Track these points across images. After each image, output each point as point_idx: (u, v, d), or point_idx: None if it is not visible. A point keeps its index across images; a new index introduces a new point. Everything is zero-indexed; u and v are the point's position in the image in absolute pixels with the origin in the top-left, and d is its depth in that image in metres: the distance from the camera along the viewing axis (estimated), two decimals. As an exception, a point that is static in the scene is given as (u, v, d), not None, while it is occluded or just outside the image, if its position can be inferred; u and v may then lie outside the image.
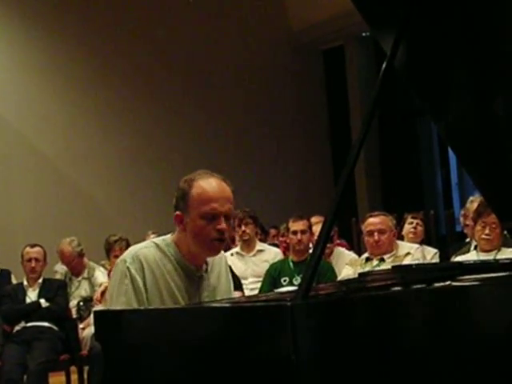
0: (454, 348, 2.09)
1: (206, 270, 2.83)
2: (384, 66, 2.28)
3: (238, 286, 5.81)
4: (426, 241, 7.11)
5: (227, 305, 2.33)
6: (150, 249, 2.75)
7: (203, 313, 2.22)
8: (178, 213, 2.75)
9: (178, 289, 2.71)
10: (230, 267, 5.82)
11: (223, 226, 2.70)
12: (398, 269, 3.15)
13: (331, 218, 2.04)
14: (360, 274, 2.98)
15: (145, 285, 2.66)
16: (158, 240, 2.82)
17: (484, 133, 2.98)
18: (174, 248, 2.76)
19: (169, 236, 2.82)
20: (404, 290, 2.26)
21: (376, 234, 5.28)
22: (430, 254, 6.13)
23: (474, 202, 6.02)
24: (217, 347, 2.05)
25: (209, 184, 2.73)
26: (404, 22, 2.31)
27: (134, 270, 2.66)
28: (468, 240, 6.35)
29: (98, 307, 6.06)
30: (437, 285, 2.32)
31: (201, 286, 2.79)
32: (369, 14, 2.65)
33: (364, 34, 11.64)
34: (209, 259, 2.83)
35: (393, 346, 1.99)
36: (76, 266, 7.12)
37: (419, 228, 6.85)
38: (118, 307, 2.58)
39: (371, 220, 5.42)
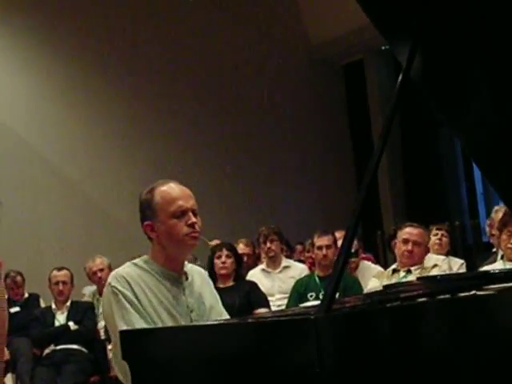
0: (478, 358, 2.08)
1: (187, 278, 2.94)
2: (400, 77, 2.29)
3: (265, 302, 5.81)
4: (452, 252, 7.09)
5: (253, 320, 2.34)
6: (129, 268, 2.88)
7: (229, 328, 2.23)
8: (147, 222, 2.89)
9: (167, 298, 2.82)
10: (257, 284, 5.90)
11: (193, 219, 2.85)
12: (424, 280, 3.15)
13: (351, 231, 2.05)
14: (385, 286, 2.97)
15: (136, 297, 2.77)
16: (134, 260, 2.94)
17: (504, 141, 2.97)
18: (152, 263, 2.89)
19: (143, 256, 2.94)
20: (426, 300, 2.25)
21: (411, 244, 5.26)
22: (457, 265, 6.11)
23: (499, 211, 5.99)
24: (243, 362, 2.06)
25: (169, 187, 2.90)
26: (418, 34, 2.32)
27: (121, 287, 2.78)
28: (494, 250, 6.32)
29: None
30: (460, 294, 2.31)
31: (187, 291, 2.90)
32: (383, 26, 2.67)
33: (383, 48, 11.65)
34: (187, 269, 2.96)
35: (416, 356, 1.98)
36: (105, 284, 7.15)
37: (444, 239, 6.82)
38: (122, 325, 2.66)
39: (409, 229, 5.40)
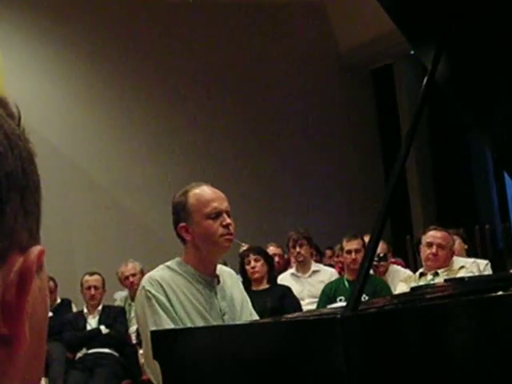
0: (504, 359, 2.10)
1: (219, 281, 2.97)
2: (425, 81, 2.32)
3: (298, 307, 5.84)
4: (482, 255, 7.06)
5: (281, 320, 2.38)
6: (162, 271, 2.92)
7: (257, 328, 2.27)
8: (181, 224, 2.92)
9: (199, 301, 2.85)
10: (291, 289, 5.93)
11: (228, 220, 2.90)
12: (451, 282, 3.17)
13: (377, 232, 2.08)
14: (412, 288, 3.00)
15: (169, 301, 2.80)
16: (168, 263, 2.97)
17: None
18: (185, 265, 2.92)
19: (176, 258, 2.98)
20: (451, 300, 2.27)
21: (435, 247, 5.28)
22: (482, 266, 6.08)
23: (529, 214, 5.97)
24: (272, 361, 2.10)
25: (202, 190, 2.95)
26: (443, 37, 2.35)
27: (155, 291, 2.81)
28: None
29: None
30: (486, 295, 2.33)
31: (219, 295, 2.93)
32: (409, 31, 2.70)
33: (412, 52, 11.63)
34: (218, 272, 2.98)
35: (442, 356, 2.01)
36: (137, 289, 7.21)
37: (459, 245, 6.77)
38: (153, 328, 2.67)
39: (432, 233, 5.42)
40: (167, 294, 2.80)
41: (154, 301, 2.78)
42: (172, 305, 2.79)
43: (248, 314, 3.00)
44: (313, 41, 12.17)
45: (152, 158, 10.72)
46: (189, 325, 2.75)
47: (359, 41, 11.90)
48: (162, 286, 2.82)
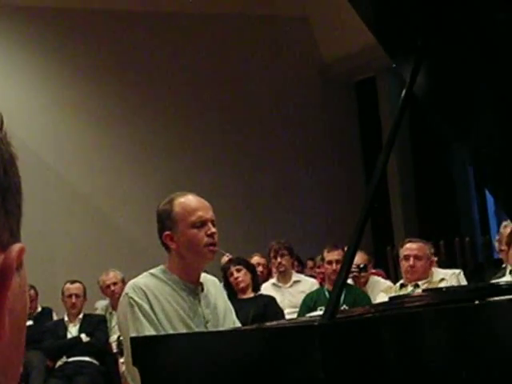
0: (478, 366, 2.14)
1: (203, 289, 2.98)
2: (403, 93, 2.36)
3: (281, 317, 5.86)
4: (462, 268, 7.10)
5: (259, 327, 2.40)
6: (146, 278, 2.93)
7: (238, 336, 2.30)
8: (166, 233, 2.93)
9: (183, 309, 2.86)
10: (275, 299, 5.96)
11: (213, 230, 2.92)
12: (429, 292, 3.20)
13: (354, 242, 2.11)
14: (391, 298, 3.04)
15: (152, 309, 2.80)
16: (152, 270, 2.98)
17: (507, 156, 3.03)
18: (169, 273, 2.93)
19: (160, 266, 2.99)
20: (426, 308, 2.31)
21: (412, 259, 5.32)
22: (455, 274, 6.09)
23: (508, 226, 6.02)
24: (250, 368, 2.12)
25: (188, 199, 2.96)
26: (421, 51, 2.39)
27: (138, 298, 2.82)
28: (504, 266, 6.34)
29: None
30: (461, 304, 2.37)
31: (203, 302, 2.94)
32: (389, 44, 2.74)
33: (395, 65, 11.70)
34: (202, 280, 2.99)
35: (417, 363, 2.04)
36: (119, 298, 7.20)
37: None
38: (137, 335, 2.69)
39: (409, 245, 5.47)
40: (150, 301, 2.81)
41: (136, 308, 2.79)
42: (155, 312, 2.80)
43: (231, 322, 3.02)
44: (297, 52, 12.24)
45: (135, 167, 10.73)
46: (171, 332, 2.76)
47: (343, 53, 11.98)
48: (145, 293, 2.83)
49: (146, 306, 2.79)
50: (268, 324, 2.72)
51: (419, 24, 2.52)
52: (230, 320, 3.02)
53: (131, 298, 2.82)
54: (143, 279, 2.91)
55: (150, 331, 2.72)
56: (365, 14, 2.73)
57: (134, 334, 2.70)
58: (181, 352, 2.33)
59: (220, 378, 2.21)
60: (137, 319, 2.76)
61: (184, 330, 2.79)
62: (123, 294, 2.91)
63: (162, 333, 2.74)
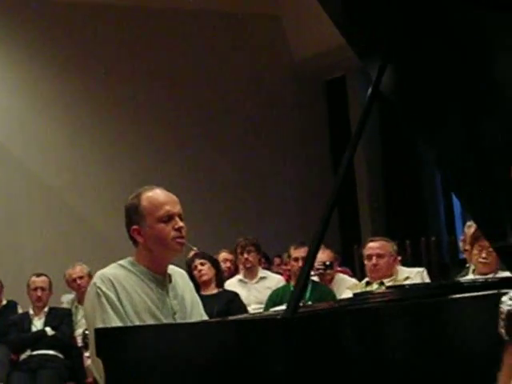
0: (435, 359, 2.18)
1: (171, 280, 3.00)
2: (369, 92, 2.40)
3: (245, 312, 5.89)
4: (427, 267, 7.17)
5: (224, 320, 2.43)
6: (115, 269, 2.93)
7: (202, 328, 2.32)
8: (134, 227, 2.94)
9: (151, 300, 2.87)
10: (239, 295, 5.99)
11: (180, 224, 2.92)
12: (393, 288, 3.25)
13: (318, 237, 2.14)
14: (355, 294, 3.07)
15: (119, 300, 2.81)
16: (120, 261, 2.99)
17: (472, 159, 3.08)
18: (137, 264, 2.94)
19: (128, 258, 3.00)
20: (387, 304, 2.35)
21: (374, 258, 5.39)
22: (419, 272, 6.16)
23: (471, 227, 6.11)
24: (216, 360, 2.14)
25: (155, 193, 2.98)
26: (387, 52, 2.43)
27: (106, 288, 2.82)
28: (468, 265, 6.42)
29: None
30: (421, 300, 2.41)
31: (171, 294, 2.95)
32: (357, 44, 2.78)
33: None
34: (170, 272, 3.01)
35: (377, 356, 2.08)
36: (85, 292, 7.15)
37: None
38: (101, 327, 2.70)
39: (371, 244, 5.55)
40: (118, 292, 2.82)
41: (103, 299, 2.79)
42: (122, 303, 2.80)
43: (199, 315, 3.03)
44: (268, 50, 12.26)
45: (103, 161, 10.68)
46: (138, 323, 2.77)
47: (314, 52, 12.02)
48: (113, 283, 2.83)
49: (114, 297, 2.79)
50: (232, 317, 2.75)
51: (386, 24, 2.55)
52: (197, 312, 3.03)
53: (99, 288, 2.83)
54: (111, 270, 2.92)
55: (116, 322, 2.72)
56: (333, 13, 2.76)
57: (100, 325, 2.71)
58: (145, 344, 2.35)
59: (184, 369, 2.23)
60: (104, 310, 2.76)
61: (152, 322, 2.80)
62: (91, 283, 2.92)
63: (129, 324, 2.75)
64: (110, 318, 2.74)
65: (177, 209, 2.96)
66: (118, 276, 2.88)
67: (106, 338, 2.48)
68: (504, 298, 0.70)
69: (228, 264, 7.51)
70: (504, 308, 0.69)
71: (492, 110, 2.94)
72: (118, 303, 2.79)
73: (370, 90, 2.43)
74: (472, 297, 2.49)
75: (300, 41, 12.31)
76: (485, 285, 3.03)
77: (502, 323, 0.68)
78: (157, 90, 11.05)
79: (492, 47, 2.69)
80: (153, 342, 2.33)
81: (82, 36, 10.64)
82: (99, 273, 2.93)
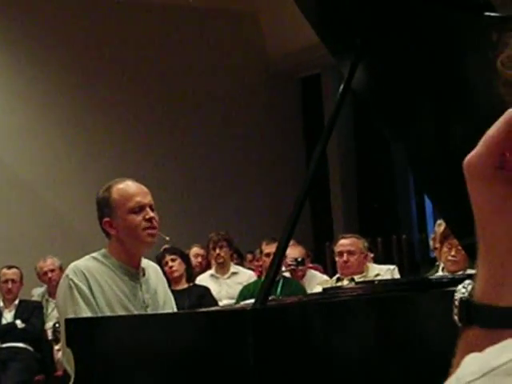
0: (400, 353, 2.22)
1: (144, 274, 3.02)
2: (340, 89, 2.43)
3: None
4: (398, 265, 7.24)
5: (194, 311, 2.45)
6: (87, 261, 2.95)
7: (172, 319, 2.34)
8: (106, 219, 2.96)
9: (123, 293, 2.89)
10: (210, 290, 6.00)
11: (151, 214, 2.95)
12: (362, 284, 3.29)
13: (287, 232, 2.17)
14: (324, 289, 3.11)
15: (91, 292, 2.82)
16: (93, 254, 3.01)
17: (441, 157, 3.13)
18: (110, 257, 2.96)
19: (102, 250, 3.02)
20: (354, 297, 2.39)
21: (345, 254, 5.44)
22: (390, 270, 6.22)
23: (441, 225, 6.16)
24: (186, 351, 2.17)
25: (126, 185, 3.01)
26: (360, 49, 2.46)
27: (78, 280, 2.84)
28: (438, 263, 6.49)
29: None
30: (385, 294, 2.45)
31: (143, 287, 2.97)
32: (330, 42, 2.82)
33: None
34: (144, 265, 3.03)
35: (342, 348, 2.12)
36: (56, 286, 7.14)
37: None
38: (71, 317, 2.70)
39: (342, 241, 5.61)
40: (90, 284, 2.83)
41: (75, 291, 2.80)
42: (94, 296, 2.81)
43: (170, 309, 3.05)
44: (243, 47, 12.29)
45: (75, 153, 10.65)
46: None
47: (289, 49, 12.06)
48: (85, 275, 2.84)
49: (86, 289, 2.81)
50: (202, 309, 2.77)
51: (358, 22, 2.59)
52: (169, 307, 3.05)
53: (71, 279, 2.83)
54: (84, 262, 2.93)
55: (87, 314, 2.73)
56: (307, 11, 2.80)
57: (71, 316, 2.72)
58: (115, 334, 2.37)
59: (154, 360, 2.25)
60: (75, 302, 2.78)
61: (123, 313, 2.82)
62: (63, 275, 2.93)
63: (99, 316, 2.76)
64: (82, 310, 2.75)
65: (147, 199, 2.98)
66: (90, 268, 2.89)
67: (76, 329, 2.49)
68: (459, 287, 0.73)
69: (199, 259, 7.54)
70: (457, 296, 0.72)
71: (462, 109, 2.98)
72: (90, 295, 2.80)
73: (341, 87, 2.46)
74: (438, 292, 2.53)
75: (275, 38, 12.34)
76: (453, 281, 3.08)
77: (455, 310, 0.71)
78: (129, 85, 11.04)
79: (461, 46, 2.73)
80: (122, 333, 2.35)
81: (59, 26, 10.60)
82: (72, 265, 2.94)
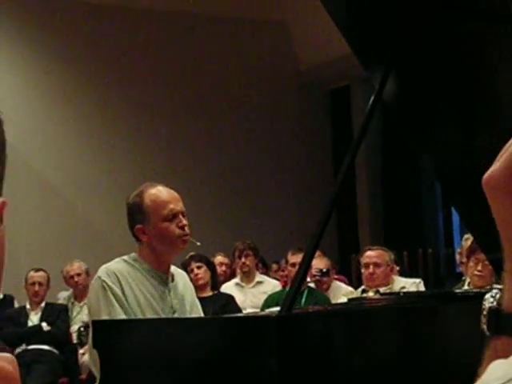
0: (421, 363, 2.22)
1: (173, 279, 3.02)
2: (371, 101, 2.44)
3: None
4: (423, 279, 7.20)
5: (220, 317, 2.47)
6: (119, 264, 2.95)
7: (197, 324, 2.36)
8: (138, 226, 2.95)
9: (153, 296, 2.90)
10: (234, 298, 6.01)
11: (184, 222, 2.95)
12: (387, 295, 3.29)
13: (314, 242, 2.18)
14: (349, 299, 3.12)
15: (124, 294, 2.83)
16: (124, 257, 3.01)
17: (469, 168, 3.12)
18: (141, 261, 2.96)
19: (132, 254, 3.02)
20: (378, 307, 2.39)
21: (371, 266, 5.43)
22: (416, 284, 6.19)
23: (468, 239, 6.13)
24: (210, 356, 2.18)
25: (158, 190, 2.99)
26: (391, 61, 2.47)
27: (111, 282, 2.84)
28: (464, 278, 6.45)
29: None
30: (408, 306, 2.45)
31: (172, 292, 2.98)
32: (362, 52, 2.83)
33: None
34: (172, 271, 3.03)
35: (365, 356, 2.12)
36: (82, 289, 7.16)
37: None
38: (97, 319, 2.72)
39: (368, 253, 5.60)
40: (122, 286, 2.83)
41: (109, 292, 2.80)
42: (126, 297, 2.81)
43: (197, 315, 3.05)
44: (274, 57, 12.31)
45: (103, 159, 10.74)
46: (141, 317, 2.78)
47: (320, 60, 12.06)
48: (118, 277, 2.85)
49: (118, 291, 2.81)
50: (228, 315, 2.79)
51: (390, 35, 2.60)
52: (196, 313, 3.04)
53: (104, 281, 2.83)
54: (116, 264, 2.94)
55: (121, 315, 2.73)
56: (340, 22, 2.81)
57: (105, 317, 2.73)
58: (141, 337, 2.39)
59: (178, 363, 2.27)
60: (109, 303, 2.77)
61: (153, 316, 2.82)
62: (95, 277, 2.92)
63: (133, 317, 2.76)
64: (116, 311, 2.75)
65: (180, 206, 2.98)
66: (122, 270, 2.89)
67: (102, 330, 2.52)
68: (486, 296, 0.73)
69: (223, 268, 7.55)
70: (485, 305, 0.72)
71: (489, 120, 2.98)
72: (122, 297, 2.80)
73: (372, 98, 2.47)
74: (462, 304, 2.53)
75: (306, 49, 12.36)
76: (478, 295, 3.07)
77: (483, 319, 0.71)
78: (161, 92, 11.11)
79: (489, 58, 2.73)
80: (148, 336, 2.37)
81: (100, 39, 10.72)
82: (103, 267, 2.94)
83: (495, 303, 0.79)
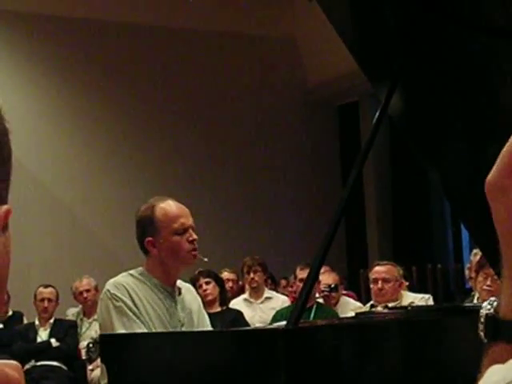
0: (427, 375, 2.22)
1: (180, 293, 3.03)
2: (376, 115, 2.45)
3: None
4: (432, 295, 7.19)
5: (228, 330, 2.47)
6: (126, 278, 2.96)
7: (205, 337, 2.37)
8: (149, 239, 2.96)
9: (161, 310, 2.90)
10: (243, 314, 6.00)
11: (194, 236, 2.97)
12: (395, 309, 3.29)
13: (321, 254, 2.19)
14: (357, 313, 3.12)
15: (135, 305, 2.83)
16: (131, 271, 3.01)
17: (477, 185, 3.12)
18: (147, 275, 2.97)
19: (139, 268, 3.02)
20: (385, 320, 2.40)
21: (380, 282, 5.42)
22: (425, 299, 6.18)
23: (477, 254, 6.12)
24: (218, 369, 2.19)
25: (169, 205, 3.01)
26: (397, 76, 2.49)
27: (121, 294, 2.85)
28: (473, 293, 6.44)
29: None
30: (414, 319, 2.46)
31: (179, 306, 2.99)
32: (368, 68, 2.84)
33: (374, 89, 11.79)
34: (179, 285, 3.04)
35: (373, 368, 2.12)
36: (91, 305, 7.16)
37: None
38: (121, 331, 2.71)
39: (377, 268, 5.59)
40: (133, 298, 2.84)
41: (121, 303, 2.80)
42: (138, 309, 2.82)
43: (205, 328, 3.05)
44: (282, 73, 12.34)
45: (113, 175, 10.77)
46: (152, 329, 2.78)
47: (327, 76, 12.09)
48: (127, 290, 2.86)
49: (130, 302, 2.81)
50: (236, 328, 2.79)
51: (396, 49, 2.62)
52: (203, 326, 3.05)
53: (114, 294, 2.84)
54: (123, 278, 2.95)
55: (138, 325, 2.73)
56: (347, 38, 2.83)
57: (120, 329, 2.72)
58: (148, 350, 2.39)
59: (186, 378, 2.27)
60: (123, 314, 2.76)
61: (162, 329, 2.81)
62: (104, 290, 2.92)
63: (147, 327, 2.75)
64: (131, 321, 2.74)
65: (190, 221, 3.00)
66: (129, 284, 2.90)
67: (110, 344, 2.52)
68: (484, 304, 0.74)
69: (230, 284, 7.54)
70: (483, 312, 0.73)
71: (497, 134, 2.98)
72: (134, 308, 2.81)
73: (378, 111, 2.48)
74: (470, 318, 2.52)
75: (314, 65, 12.39)
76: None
77: (480, 327, 0.72)
78: (167, 108, 11.14)
79: (496, 71, 2.74)
80: (155, 350, 2.38)
81: (105, 54, 10.77)
82: (111, 281, 2.95)
83: (492, 310, 0.80)
